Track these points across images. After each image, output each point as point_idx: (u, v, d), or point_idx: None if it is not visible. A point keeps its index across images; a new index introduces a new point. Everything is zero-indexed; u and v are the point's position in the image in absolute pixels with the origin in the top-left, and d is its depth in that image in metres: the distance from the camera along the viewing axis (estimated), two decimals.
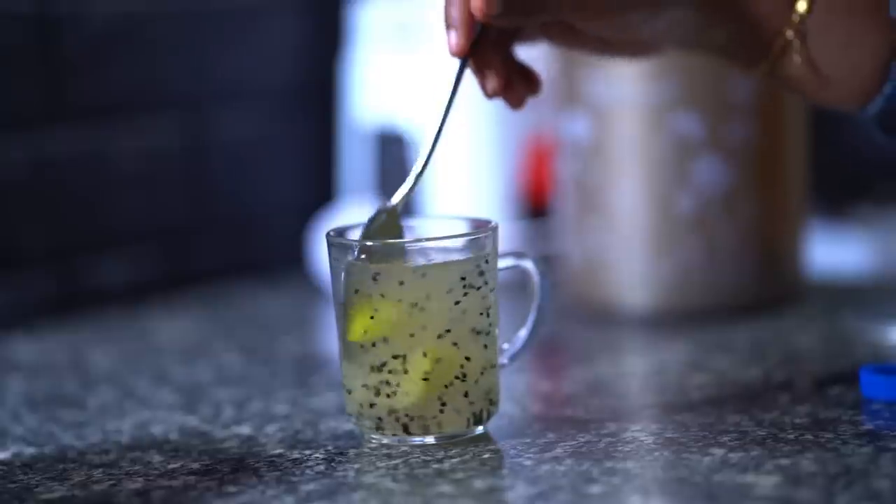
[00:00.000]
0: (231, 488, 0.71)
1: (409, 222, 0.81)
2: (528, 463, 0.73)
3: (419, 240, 0.79)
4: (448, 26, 0.77)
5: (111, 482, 0.73)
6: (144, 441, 0.81)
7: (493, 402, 0.78)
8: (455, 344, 0.76)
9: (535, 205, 1.33)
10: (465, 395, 0.76)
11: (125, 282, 1.25)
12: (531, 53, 0.84)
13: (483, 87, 0.79)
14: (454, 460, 0.74)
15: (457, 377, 0.76)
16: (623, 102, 1.06)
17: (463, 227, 0.79)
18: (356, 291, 0.76)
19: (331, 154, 1.41)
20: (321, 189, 1.41)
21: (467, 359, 0.76)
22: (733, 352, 0.98)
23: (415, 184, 0.78)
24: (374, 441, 0.77)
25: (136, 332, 1.14)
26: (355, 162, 1.38)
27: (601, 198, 1.10)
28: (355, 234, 0.79)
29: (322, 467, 0.74)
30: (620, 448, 0.75)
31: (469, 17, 0.76)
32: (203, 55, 1.32)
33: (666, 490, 0.69)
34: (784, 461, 0.70)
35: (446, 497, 0.69)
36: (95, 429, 0.84)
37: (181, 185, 1.31)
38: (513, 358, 0.81)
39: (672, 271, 1.08)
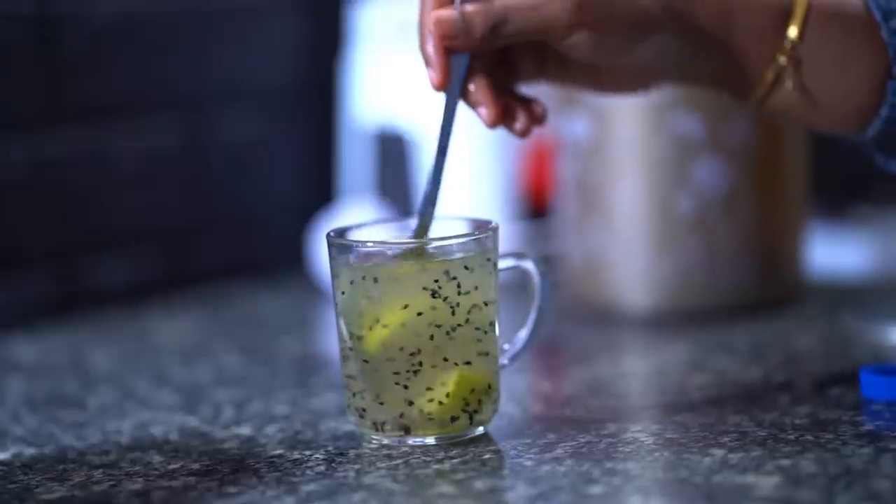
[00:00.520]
0: (231, 489, 0.71)
1: (409, 223, 0.81)
2: (528, 463, 0.73)
3: (419, 240, 0.79)
4: (426, 63, 0.78)
5: (111, 483, 0.73)
6: (144, 441, 0.81)
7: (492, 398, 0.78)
8: (468, 363, 0.76)
9: (536, 205, 1.33)
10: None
11: (125, 282, 1.25)
12: None
13: (480, 117, 0.79)
14: (455, 461, 0.74)
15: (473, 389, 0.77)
16: (623, 103, 1.06)
17: (464, 228, 0.79)
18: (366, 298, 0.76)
19: (331, 154, 1.41)
20: (321, 189, 1.41)
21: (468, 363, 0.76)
22: (733, 352, 0.98)
23: (432, 212, 0.78)
24: (374, 441, 0.77)
25: (136, 333, 1.14)
26: (355, 162, 1.38)
27: (601, 198, 1.10)
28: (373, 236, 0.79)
29: (322, 468, 0.74)
30: (621, 448, 0.75)
31: (443, 51, 0.77)
32: (203, 55, 1.32)
33: (666, 491, 0.69)
34: (784, 462, 0.70)
35: (447, 497, 0.69)
36: (95, 429, 0.84)
37: (181, 185, 1.31)
38: (513, 358, 0.81)
39: (672, 272, 1.08)
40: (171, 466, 0.75)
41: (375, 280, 0.76)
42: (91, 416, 0.88)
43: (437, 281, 0.75)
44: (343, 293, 0.77)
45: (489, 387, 0.77)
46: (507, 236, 1.20)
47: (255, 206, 1.39)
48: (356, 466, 0.74)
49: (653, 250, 1.08)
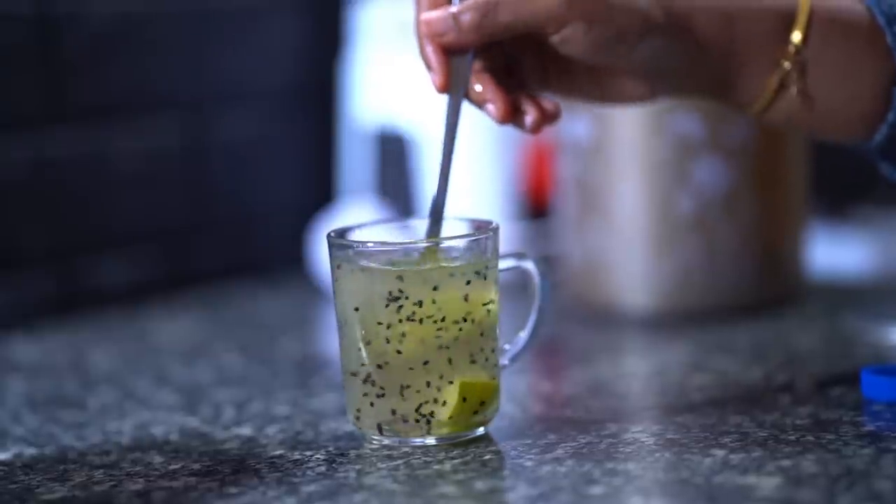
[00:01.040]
0: (232, 489, 0.71)
1: (409, 223, 0.81)
2: (528, 464, 0.73)
3: (419, 240, 0.79)
4: (427, 67, 0.78)
5: (112, 483, 0.73)
6: (145, 442, 0.81)
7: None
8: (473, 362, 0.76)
9: (536, 205, 1.33)
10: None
11: (125, 282, 1.25)
12: None
13: (489, 114, 0.79)
14: (455, 461, 0.74)
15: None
16: None
17: (464, 228, 0.79)
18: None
19: (331, 154, 1.41)
20: (321, 189, 1.41)
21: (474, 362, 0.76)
22: (734, 353, 0.98)
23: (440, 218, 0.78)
24: (374, 442, 0.77)
25: (136, 333, 1.14)
26: (355, 162, 1.38)
27: (601, 198, 1.10)
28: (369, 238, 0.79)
29: (323, 468, 0.74)
30: (621, 449, 0.75)
31: (441, 53, 0.77)
32: (203, 55, 1.32)
33: (667, 491, 0.69)
34: (785, 462, 0.70)
35: (447, 498, 0.69)
36: (96, 429, 0.84)
37: (181, 186, 1.31)
38: (513, 359, 0.81)
39: (672, 272, 1.08)
40: (172, 467, 0.75)
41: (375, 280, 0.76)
42: (91, 416, 0.88)
43: (437, 280, 0.75)
44: (343, 293, 0.77)
45: (489, 387, 0.77)
46: (508, 236, 1.20)
47: (255, 206, 1.39)
48: (357, 467, 0.74)
49: (653, 251, 1.08)
